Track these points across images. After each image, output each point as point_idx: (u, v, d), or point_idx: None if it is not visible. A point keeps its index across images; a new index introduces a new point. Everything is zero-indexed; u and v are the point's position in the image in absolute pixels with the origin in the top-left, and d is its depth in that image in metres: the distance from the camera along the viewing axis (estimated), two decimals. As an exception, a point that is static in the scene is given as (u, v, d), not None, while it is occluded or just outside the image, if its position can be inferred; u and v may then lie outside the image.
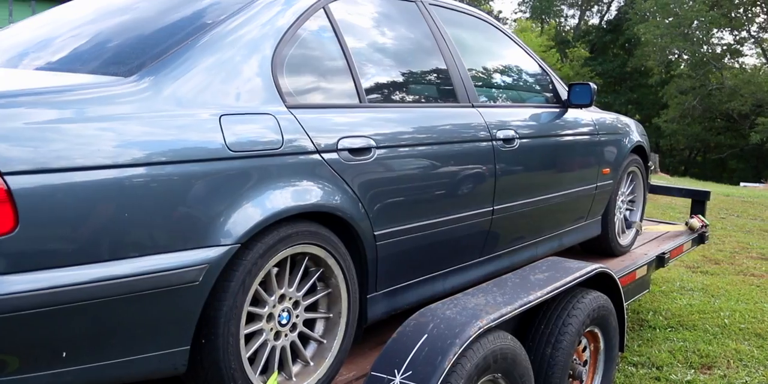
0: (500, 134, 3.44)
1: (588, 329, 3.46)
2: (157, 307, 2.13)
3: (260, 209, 2.35)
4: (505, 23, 55.49)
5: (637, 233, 5.08)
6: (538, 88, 4.20)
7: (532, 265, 3.48)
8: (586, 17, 56.07)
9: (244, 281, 2.33)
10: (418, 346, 2.55)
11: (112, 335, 2.06)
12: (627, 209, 5.02)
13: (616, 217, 4.80)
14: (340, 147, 2.67)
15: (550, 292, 3.07)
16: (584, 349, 3.59)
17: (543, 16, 58.54)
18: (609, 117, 4.62)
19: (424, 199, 3.04)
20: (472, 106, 3.40)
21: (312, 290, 2.71)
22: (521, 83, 4.17)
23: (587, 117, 4.29)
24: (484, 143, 3.34)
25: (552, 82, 4.15)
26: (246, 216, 2.32)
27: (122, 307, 2.05)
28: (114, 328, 2.06)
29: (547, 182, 3.86)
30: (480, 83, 3.67)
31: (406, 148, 2.95)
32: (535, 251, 3.94)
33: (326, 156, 2.61)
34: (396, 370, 2.50)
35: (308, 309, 2.70)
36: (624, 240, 4.93)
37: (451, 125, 3.23)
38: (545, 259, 3.63)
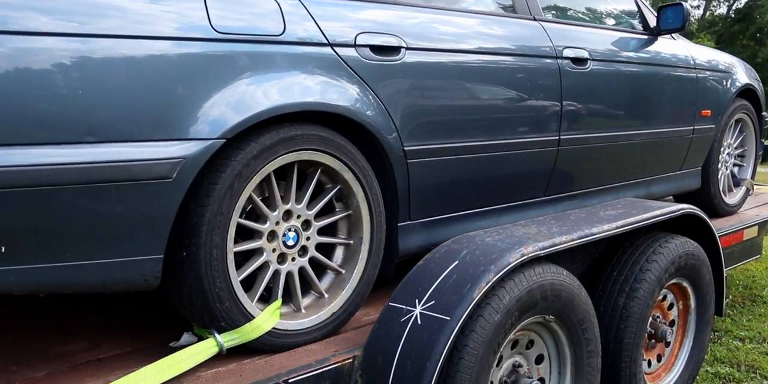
0: (568, 53, 2.95)
1: (673, 281, 2.91)
2: (120, 205, 1.81)
3: (252, 102, 2.00)
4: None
5: (748, 193, 4.40)
6: (621, 11, 3.64)
7: (606, 203, 2.97)
8: (712, 7, 53.12)
9: (232, 185, 1.98)
10: (445, 273, 2.13)
11: (63, 232, 1.76)
12: (735, 164, 4.35)
13: (720, 172, 4.15)
14: (359, 43, 2.28)
15: (621, 227, 2.56)
16: (671, 307, 3.03)
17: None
18: (709, 52, 4.00)
19: (468, 116, 2.60)
20: (534, 19, 2.93)
21: (330, 212, 2.34)
22: (601, 5, 3.63)
23: (682, 49, 3.70)
24: (547, 60, 2.86)
25: (639, 7, 3.59)
26: (234, 108, 1.97)
27: (74, 200, 1.74)
28: (64, 224, 1.75)
29: (630, 116, 3.32)
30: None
31: (447, 54, 2.52)
32: (616, 197, 3.40)
33: (341, 51, 2.23)
34: (417, 300, 2.09)
35: (324, 233, 2.33)
36: (731, 199, 4.27)
37: (504, 36, 2.77)
38: (623, 199, 3.10)
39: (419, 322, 2.04)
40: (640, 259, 2.76)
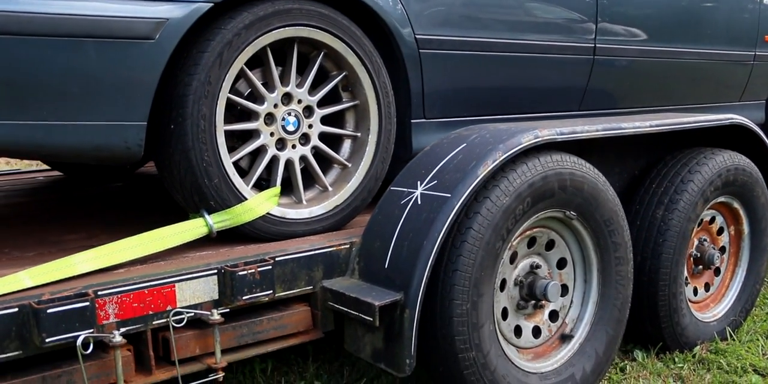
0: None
1: (721, 199, 2.66)
2: (100, 63, 1.72)
3: (242, -33, 1.89)
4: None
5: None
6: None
7: (644, 114, 2.74)
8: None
9: (221, 54, 1.87)
10: (451, 155, 1.97)
11: (38, 87, 1.68)
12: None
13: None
14: None
15: (655, 127, 2.33)
16: (720, 232, 2.78)
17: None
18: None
19: (489, 9, 2.42)
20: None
21: (336, 101, 2.21)
22: None
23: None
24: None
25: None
26: (224, -28, 1.86)
27: (48, 53, 1.66)
28: (39, 78, 1.67)
29: (679, 31, 3.06)
30: None
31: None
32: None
33: None
34: (419, 182, 1.94)
35: (330, 124, 2.20)
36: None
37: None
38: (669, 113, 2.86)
39: (419, 203, 1.89)
40: (682, 171, 2.52)
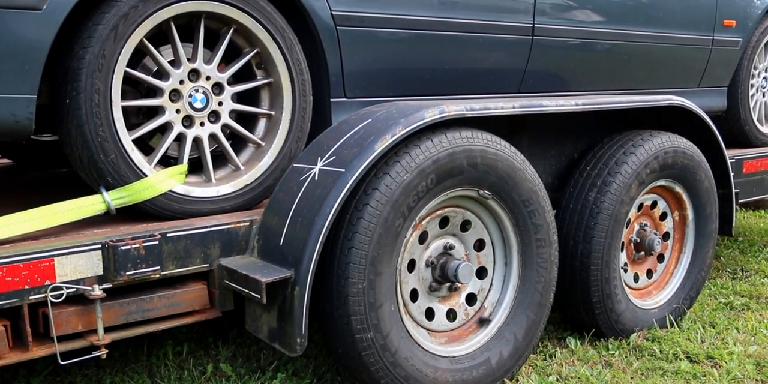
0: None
1: (661, 183, 2.59)
2: (-18, 33, 1.69)
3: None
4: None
5: (790, 124, 3.95)
6: None
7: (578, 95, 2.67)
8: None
9: (116, 27, 1.83)
10: (354, 130, 1.92)
11: None
12: (774, 92, 3.92)
13: (754, 97, 3.73)
14: None
15: (582, 105, 2.26)
16: (663, 217, 2.71)
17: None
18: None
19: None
20: None
21: (249, 79, 2.16)
22: None
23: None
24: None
25: None
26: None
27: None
28: None
29: (628, 13, 2.97)
30: None
31: None
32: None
33: None
34: (319, 158, 1.89)
35: (247, 101, 2.16)
36: (767, 128, 3.84)
37: None
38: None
39: (316, 179, 1.84)
40: (617, 153, 2.46)
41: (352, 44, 2.25)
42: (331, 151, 1.88)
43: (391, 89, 2.41)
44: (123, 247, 1.70)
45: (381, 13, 2.30)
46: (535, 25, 2.66)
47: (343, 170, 1.79)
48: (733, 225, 2.91)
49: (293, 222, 1.81)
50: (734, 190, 2.90)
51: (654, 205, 2.66)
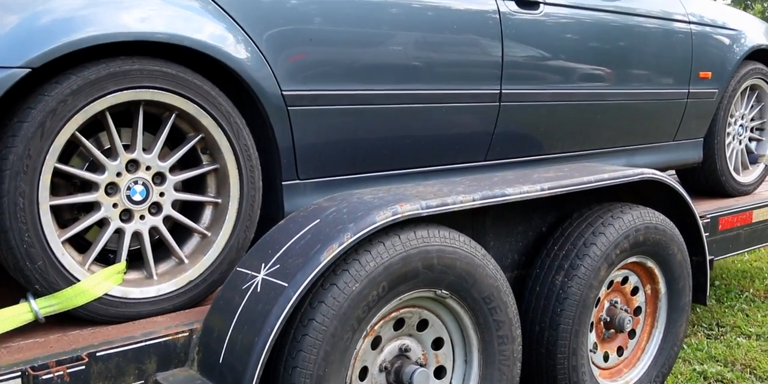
0: (513, -7, 2.56)
1: (633, 259, 2.48)
2: None
3: (67, 27, 1.71)
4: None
5: (767, 171, 3.86)
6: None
7: (551, 167, 2.56)
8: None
9: (43, 124, 1.69)
10: (300, 233, 1.79)
11: None
12: (751, 139, 3.83)
13: (730, 146, 3.65)
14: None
15: (547, 190, 2.15)
16: (635, 292, 2.60)
17: (747, 2, 53.94)
18: (711, 7, 3.50)
19: (372, 57, 2.24)
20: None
21: (195, 164, 2.03)
22: None
23: (674, 0, 3.23)
24: (482, 0, 2.47)
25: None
26: (44, 32, 1.68)
27: None
28: None
29: (599, 72, 2.88)
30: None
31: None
32: (586, 167, 2.97)
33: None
34: (263, 265, 1.76)
35: (193, 189, 2.04)
36: (745, 177, 3.75)
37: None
38: (578, 163, 2.69)
39: (258, 290, 1.71)
40: (586, 232, 2.35)
41: (304, 124, 2.13)
42: (275, 258, 1.75)
43: (349, 167, 2.29)
44: (45, 376, 1.57)
45: (337, 89, 2.17)
46: (503, 91, 2.54)
47: (286, 285, 1.66)
48: (707, 294, 2.81)
49: (233, 340, 1.68)
50: (709, 257, 2.80)
51: (625, 280, 2.55)
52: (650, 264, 2.54)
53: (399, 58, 2.29)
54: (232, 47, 1.95)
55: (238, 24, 1.96)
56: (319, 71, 2.13)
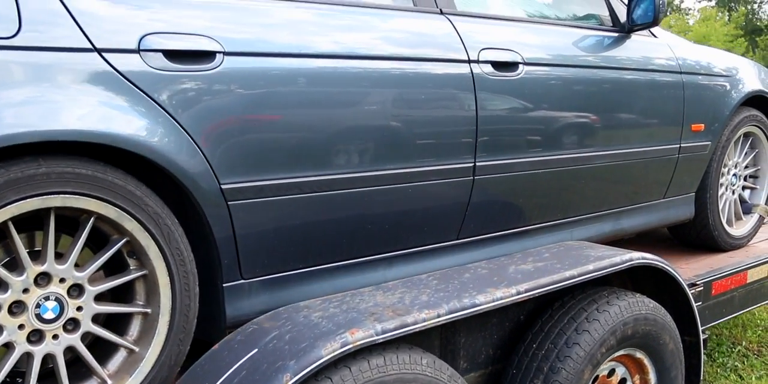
0: (488, 55, 2.30)
1: (621, 352, 2.24)
2: None
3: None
4: (688, 13, 51.48)
5: (761, 221, 3.64)
6: (581, 3, 2.95)
7: (529, 251, 2.32)
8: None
9: None
10: (234, 367, 1.54)
11: None
12: (745, 187, 3.60)
13: (723, 198, 3.42)
14: (143, 48, 1.70)
15: (524, 293, 1.90)
16: (623, 383, 2.36)
17: (731, 4, 53.67)
18: (705, 52, 3.27)
19: (323, 141, 1.97)
20: (440, 13, 2.29)
21: (120, 271, 1.77)
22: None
23: (663, 49, 2.99)
24: (452, 65, 2.22)
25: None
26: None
27: None
28: None
29: (584, 135, 2.64)
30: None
31: (287, 59, 1.91)
32: (569, 236, 2.73)
33: (112, 58, 1.65)
34: (190, 407, 1.50)
35: (117, 299, 1.77)
36: (738, 229, 3.52)
37: (386, 35, 2.15)
38: (559, 243, 2.44)
39: (181, 443, 1.45)
40: (568, 329, 2.10)
41: (248, 219, 1.87)
42: (203, 400, 1.50)
43: (302, 261, 2.03)
44: None
45: (286, 177, 1.91)
46: (477, 164, 2.29)
47: (213, 441, 1.40)
48: (701, 377, 2.57)
49: None
50: (702, 337, 2.57)
51: (611, 372, 2.31)
52: (639, 355, 2.30)
53: (357, 136, 2.03)
54: (157, 139, 1.68)
55: (165, 111, 1.70)
56: (264, 159, 1.87)
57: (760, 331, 4.13)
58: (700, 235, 3.37)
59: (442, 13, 2.29)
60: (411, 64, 2.13)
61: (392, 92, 2.09)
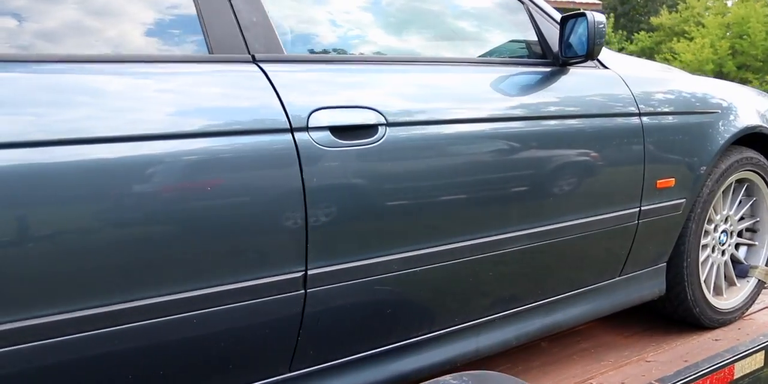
0: (322, 118, 1.61)
1: None
2: None
3: None
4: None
5: (761, 286, 2.89)
6: (493, 25, 2.23)
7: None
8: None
9: None
10: None
11: None
12: (739, 244, 2.85)
13: (708, 261, 2.69)
14: None
15: None
16: None
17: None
18: (680, 82, 2.53)
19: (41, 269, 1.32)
20: (252, 61, 1.61)
21: None
22: (438, 22, 2.21)
23: (614, 83, 2.24)
24: (266, 136, 1.54)
25: (533, 20, 2.17)
26: None
27: None
28: None
29: (488, 212, 1.93)
30: (297, 24, 1.85)
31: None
32: (476, 345, 2.03)
33: None
34: None
35: None
36: (729, 300, 2.79)
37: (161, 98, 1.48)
38: (460, 373, 1.75)
39: None
40: None
41: None
42: None
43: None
44: None
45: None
46: (308, 272, 1.62)
47: None
48: None
49: None
50: None
51: None
52: None
53: (106, 263, 1.37)
54: None
55: None
56: None
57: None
58: (677, 310, 2.65)
59: (254, 60, 1.61)
60: (194, 143, 1.46)
61: (171, 187, 1.43)
